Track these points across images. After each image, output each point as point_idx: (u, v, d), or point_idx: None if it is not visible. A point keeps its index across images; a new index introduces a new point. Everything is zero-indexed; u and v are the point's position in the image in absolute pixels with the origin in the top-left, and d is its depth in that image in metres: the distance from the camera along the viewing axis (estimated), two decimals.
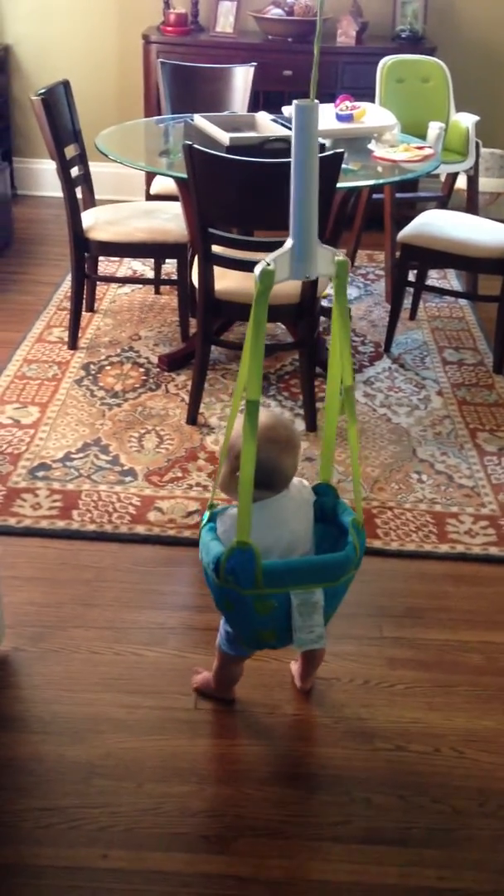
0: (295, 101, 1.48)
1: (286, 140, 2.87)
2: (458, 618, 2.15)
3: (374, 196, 3.93)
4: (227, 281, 2.77)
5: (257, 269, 1.46)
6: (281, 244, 1.50)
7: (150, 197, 3.77)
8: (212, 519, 1.70)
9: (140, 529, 2.39)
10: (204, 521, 1.71)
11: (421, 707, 1.90)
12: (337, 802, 1.69)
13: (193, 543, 2.32)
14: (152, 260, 3.82)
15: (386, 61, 3.96)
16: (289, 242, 1.51)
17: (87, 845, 1.57)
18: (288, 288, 2.60)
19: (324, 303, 3.75)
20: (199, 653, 2.00)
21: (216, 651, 1.80)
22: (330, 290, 3.96)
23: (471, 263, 3.29)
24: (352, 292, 3.97)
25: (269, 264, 1.46)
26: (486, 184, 4.35)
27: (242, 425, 1.48)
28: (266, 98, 4.22)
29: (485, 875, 1.57)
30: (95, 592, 2.17)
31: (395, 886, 1.54)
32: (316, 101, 1.50)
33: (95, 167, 3.54)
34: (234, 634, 1.72)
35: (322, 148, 2.82)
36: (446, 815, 1.67)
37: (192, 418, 2.90)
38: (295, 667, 1.94)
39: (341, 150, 2.55)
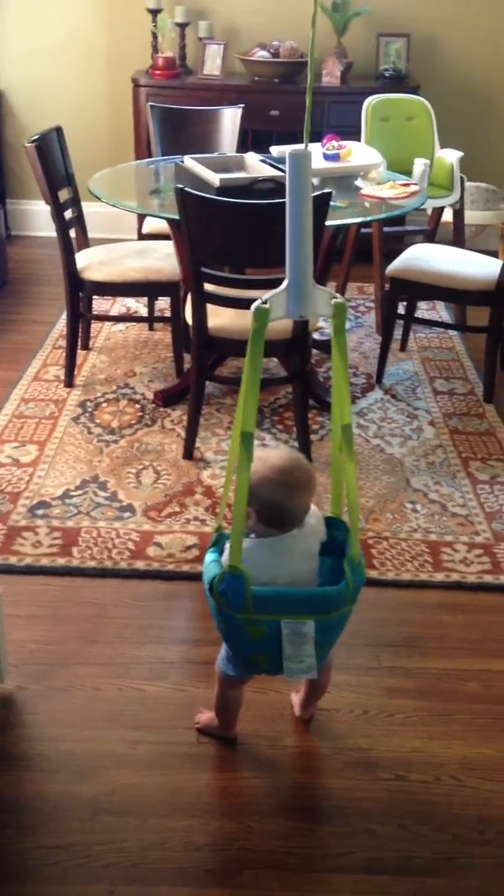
0: (289, 151, 1.53)
1: (275, 180, 2.95)
2: (455, 646, 2.18)
3: (363, 231, 4.01)
4: (219, 318, 2.83)
5: (253, 307, 1.50)
6: (273, 282, 1.54)
7: (142, 236, 3.84)
8: (217, 541, 1.75)
9: (140, 565, 2.42)
10: (210, 544, 1.76)
11: (420, 736, 1.93)
12: (340, 833, 1.71)
13: (192, 577, 2.36)
14: (146, 297, 3.88)
15: (371, 101, 4.06)
16: (285, 283, 1.56)
17: (94, 882, 1.59)
18: (280, 324, 2.65)
19: (315, 336, 3.81)
20: (199, 686, 2.02)
21: (216, 673, 1.82)
22: (322, 324, 4.04)
23: (459, 296, 3.36)
24: None
25: (264, 302, 1.51)
26: (471, 216, 4.45)
27: (238, 460, 1.53)
28: (254, 136, 4.32)
29: None
30: (97, 629, 2.20)
31: None
32: (309, 150, 1.55)
33: (88, 207, 3.61)
34: (231, 655, 1.75)
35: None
36: (447, 844, 1.69)
37: (189, 453, 2.94)
38: (296, 697, 1.97)
39: (329, 190, 2.62)
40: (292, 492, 1.64)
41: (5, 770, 1.79)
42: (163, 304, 3.86)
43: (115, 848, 1.65)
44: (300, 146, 1.55)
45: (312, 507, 1.71)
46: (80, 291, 3.33)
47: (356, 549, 1.70)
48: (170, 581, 2.37)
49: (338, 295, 1.56)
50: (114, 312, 4.10)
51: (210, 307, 2.79)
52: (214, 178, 2.95)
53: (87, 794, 1.75)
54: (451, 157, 3.98)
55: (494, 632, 2.23)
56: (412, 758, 1.87)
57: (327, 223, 2.87)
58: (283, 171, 3.13)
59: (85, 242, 3.54)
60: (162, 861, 1.63)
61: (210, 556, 1.71)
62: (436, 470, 2.92)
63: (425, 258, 3.42)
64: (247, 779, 1.82)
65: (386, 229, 3.99)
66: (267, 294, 1.53)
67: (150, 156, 4.07)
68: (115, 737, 1.89)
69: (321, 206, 2.60)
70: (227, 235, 2.68)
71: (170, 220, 2.98)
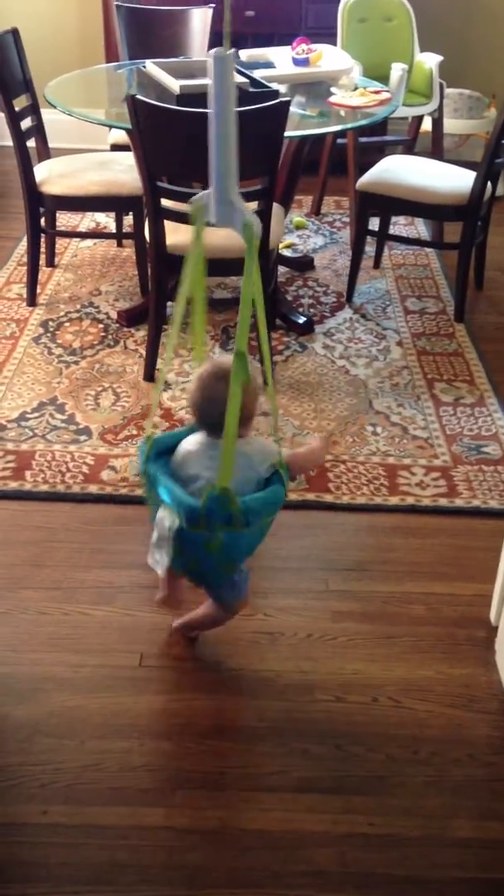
0: (213, 51, 1.45)
1: (240, 87, 2.81)
2: (403, 570, 2.18)
3: (339, 141, 3.86)
4: (179, 235, 2.74)
5: (191, 202, 1.55)
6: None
7: (113, 147, 3.69)
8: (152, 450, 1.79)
9: (92, 489, 2.40)
10: (147, 455, 1.78)
11: (362, 658, 1.94)
12: (274, 753, 1.73)
13: (145, 502, 2.35)
14: (114, 212, 3.76)
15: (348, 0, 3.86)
16: (210, 189, 1.54)
17: (28, 802, 1.62)
18: (241, 241, 2.56)
19: (287, 253, 3.71)
20: (146, 610, 2.03)
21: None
22: (295, 240, 3.92)
23: (429, 210, 3.25)
24: (317, 241, 3.92)
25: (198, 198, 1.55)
26: (453, 125, 4.27)
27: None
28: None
29: (414, 820, 1.62)
30: (46, 553, 2.19)
31: (327, 833, 1.59)
32: (233, 49, 1.49)
33: (56, 115, 3.43)
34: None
35: (276, 94, 2.77)
36: (380, 763, 1.72)
37: (150, 375, 2.89)
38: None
39: (287, 98, 2.50)
40: (200, 385, 1.75)
41: None
42: (132, 219, 3.73)
43: (50, 769, 1.68)
44: (225, 49, 1.47)
45: (263, 442, 1.78)
46: (40, 206, 3.21)
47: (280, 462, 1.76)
48: (122, 505, 2.36)
49: (253, 215, 1.51)
50: (83, 228, 3.98)
51: (169, 224, 2.70)
52: (175, 85, 2.82)
53: (25, 717, 1.77)
54: (430, 61, 3.80)
55: (444, 555, 2.23)
56: (352, 680, 1.89)
57: (290, 134, 2.76)
58: (249, 77, 3.00)
59: (45, 153, 3.41)
60: (97, 781, 1.66)
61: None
62: (400, 392, 2.87)
63: (396, 171, 3.29)
64: (187, 701, 1.84)
65: (363, 139, 3.84)
66: (196, 196, 1.56)
67: (119, 60, 3.88)
68: (58, 660, 1.90)
69: (279, 115, 2.48)
70: (183, 147, 2.56)
71: (129, 131, 2.85)
